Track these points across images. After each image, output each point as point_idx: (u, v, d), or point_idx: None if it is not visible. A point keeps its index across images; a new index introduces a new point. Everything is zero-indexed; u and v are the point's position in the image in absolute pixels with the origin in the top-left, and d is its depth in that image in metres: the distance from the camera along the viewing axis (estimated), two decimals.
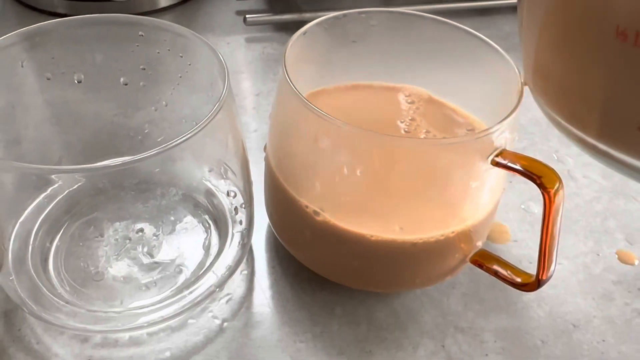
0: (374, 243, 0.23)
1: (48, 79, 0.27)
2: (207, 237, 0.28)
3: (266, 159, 0.27)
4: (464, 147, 0.22)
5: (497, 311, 0.27)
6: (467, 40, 0.26)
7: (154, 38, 0.27)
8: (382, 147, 0.22)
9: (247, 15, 0.44)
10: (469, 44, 0.26)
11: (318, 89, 0.29)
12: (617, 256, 0.30)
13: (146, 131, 0.32)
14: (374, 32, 0.29)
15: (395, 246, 0.23)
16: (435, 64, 0.28)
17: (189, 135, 0.21)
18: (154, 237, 0.28)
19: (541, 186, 0.21)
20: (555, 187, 0.21)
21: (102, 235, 0.28)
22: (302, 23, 0.45)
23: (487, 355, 0.26)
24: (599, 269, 0.30)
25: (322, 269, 0.27)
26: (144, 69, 0.28)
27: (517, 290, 0.28)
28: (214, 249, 0.28)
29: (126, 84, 0.29)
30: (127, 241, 0.27)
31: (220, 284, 0.26)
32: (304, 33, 0.26)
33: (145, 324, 0.25)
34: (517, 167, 0.22)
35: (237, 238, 0.27)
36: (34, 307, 0.24)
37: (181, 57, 0.27)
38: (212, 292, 0.26)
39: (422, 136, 0.26)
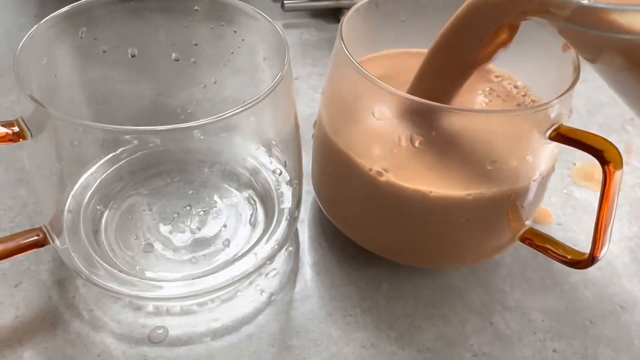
0: (433, 200, 0.23)
1: (104, 51, 0.28)
2: (253, 212, 0.28)
3: (318, 133, 0.27)
4: (523, 119, 0.22)
5: (544, 291, 0.27)
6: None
7: (210, 13, 0.27)
8: (440, 118, 0.22)
9: (285, 2, 0.44)
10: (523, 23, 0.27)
11: (371, 55, 0.29)
12: None
13: (189, 111, 0.32)
14: (424, 12, 0.29)
15: (452, 203, 0.23)
16: None
17: (248, 105, 0.21)
18: (202, 212, 0.28)
19: (602, 160, 0.21)
20: (616, 162, 0.21)
21: (150, 210, 0.28)
22: (338, 9, 0.46)
23: (535, 333, 0.26)
24: None
25: (372, 243, 0.27)
26: (196, 44, 0.29)
27: (563, 272, 0.28)
28: (260, 225, 0.28)
29: (177, 60, 0.29)
30: (175, 215, 0.28)
31: (269, 258, 0.26)
32: (357, 10, 0.27)
33: (194, 294, 0.25)
34: (577, 140, 0.22)
35: (284, 214, 0.28)
36: (88, 274, 0.25)
37: (235, 32, 0.27)
38: (261, 265, 0.26)
39: (482, 105, 0.26)
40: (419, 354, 0.25)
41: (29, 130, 0.21)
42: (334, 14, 0.46)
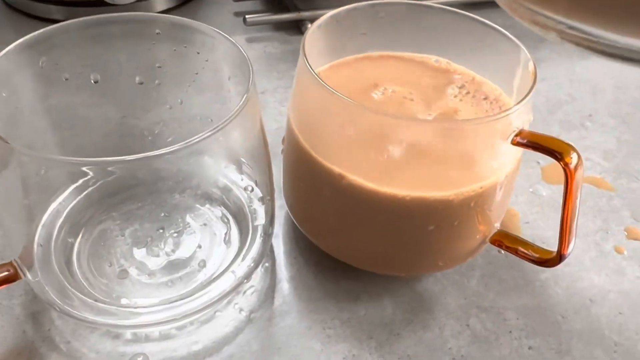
0: (405, 205, 0.24)
1: (66, 79, 0.27)
2: (227, 231, 0.28)
3: (288, 146, 0.27)
4: (486, 127, 0.23)
5: (517, 290, 0.28)
6: (478, 29, 0.27)
7: (171, 35, 0.27)
8: (404, 128, 0.23)
9: (246, 16, 0.44)
10: (480, 33, 0.27)
11: (334, 63, 0.29)
12: (625, 233, 0.31)
13: (157, 131, 0.32)
14: (383, 24, 0.29)
15: (423, 209, 0.24)
16: (448, 54, 0.29)
17: (217, 129, 0.21)
18: (175, 234, 0.28)
19: (562, 162, 0.22)
20: (575, 163, 0.22)
21: (123, 235, 0.28)
22: (300, 22, 0.46)
23: (510, 332, 0.26)
24: (609, 245, 0.31)
25: (346, 254, 0.27)
26: (160, 67, 0.29)
27: (534, 270, 0.29)
28: (235, 244, 0.28)
29: (141, 83, 0.29)
30: (149, 239, 0.28)
31: (246, 276, 0.26)
32: (319, 26, 0.27)
33: (173, 318, 0.25)
34: (538, 144, 0.22)
35: (259, 231, 0.28)
36: (62, 305, 0.24)
37: (198, 53, 0.27)
38: (239, 283, 0.26)
39: (454, 101, 0.27)
40: None
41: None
42: (296, 26, 0.46)
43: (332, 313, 0.27)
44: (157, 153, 0.20)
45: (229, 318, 0.26)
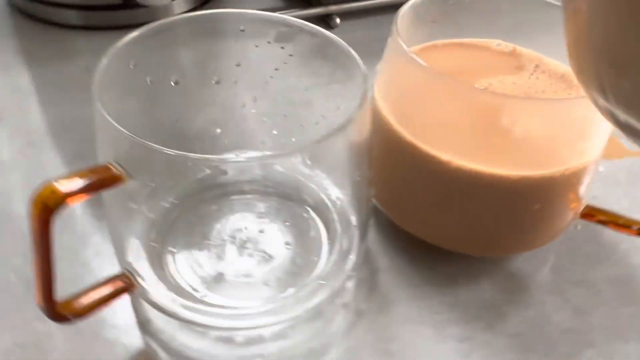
0: (509, 184, 0.24)
1: (151, 82, 0.26)
2: (324, 236, 0.28)
3: (376, 133, 0.27)
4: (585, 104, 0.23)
5: (602, 262, 0.29)
6: (542, 9, 0.28)
7: (255, 31, 0.27)
8: (505, 107, 0.23)
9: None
10: (543, 12, 0.28)
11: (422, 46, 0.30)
12: None
13: (223, 131, 0.31)
14: (452, 11, 0.30)
15: (526, 187, 0.24)
16: (510, 37, 0.30)
17: (336, 130, 0.20)
18: (272, 237, 0.27)
19: None
20: None
21: (222, 239, 0.27)
22: (329, 16, 0.46)
23: (608, 301, 0.27)
24: None
25: (446, 239, 0.27)
26: (239, 65, 0.28)
27: (611, 242, 0.30)
28: (337, 242, 0.27)
29: (218, 82, 0.29)
30: (248, 243, 0.27)
31: (354, 270, 0.26)
32: (402, 16, 0.27)
33: (286, 319, 0.24)
34: None
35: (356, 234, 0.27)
36: (175, 310, 0.24)
37: (282, 48, 0.27)
38: (348, 278, 0.26)
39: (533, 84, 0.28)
40: (513, 339, 0.25)
41: (126, 171, 0.20)
42: (324, 22, 0.46)
43: (436, 298, 0.27)
44: (276, 154, 0.20)
45: (335, 312, 0.26)
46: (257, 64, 0.28)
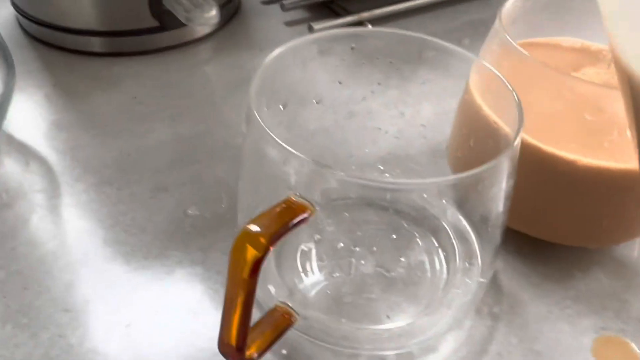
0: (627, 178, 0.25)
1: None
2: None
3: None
4: None
5: None
6: None
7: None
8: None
9: (311, 24, 0.44)
10: None
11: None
12: None
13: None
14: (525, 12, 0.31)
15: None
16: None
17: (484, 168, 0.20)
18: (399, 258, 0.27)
19: None
20: None
21: (344, 260, 0.27)
22: (361, 23, 0.46)
23: None
24: None
25: (559, 234, 0.28)
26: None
27: None
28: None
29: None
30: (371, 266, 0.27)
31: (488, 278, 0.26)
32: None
33: (433, 333, 0.25)
34: None
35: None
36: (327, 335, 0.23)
37: None
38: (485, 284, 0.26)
39: None
40: None
41: (308, 201, 0.19)
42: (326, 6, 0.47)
43: (559, 293, 0.28)
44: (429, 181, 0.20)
45: (471, 319, 0.26)
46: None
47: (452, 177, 0.19)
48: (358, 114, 0.31)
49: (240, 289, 0.18)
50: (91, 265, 0.28)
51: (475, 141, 0.29)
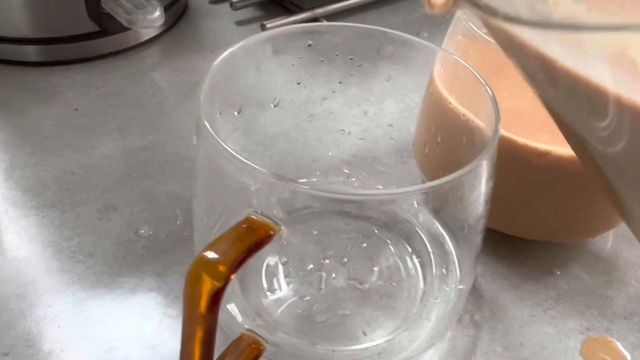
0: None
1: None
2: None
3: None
4: None
5: None
6: None
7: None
8: None
9: (264, 22, 0.41)
10: None
11: None
12: None
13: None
14: None
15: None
16: None
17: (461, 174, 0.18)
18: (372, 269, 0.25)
19: None
20: None
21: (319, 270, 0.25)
22: (316, 20, 0.44)
23: None
24: None
25: (536, 230, 0.27)
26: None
27: None
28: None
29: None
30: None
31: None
32: None
33: (418, 344, 0.23)
34: None
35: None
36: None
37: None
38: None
39: None
40: (627, 321, 0.25)
41: (273, 220, 0.17)
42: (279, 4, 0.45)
43: (541, 294, 0.26)
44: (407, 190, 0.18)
45: (453, 329, 0.25)
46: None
47: (428, 185, 0.17)
48: (319, 115, 0.29)
49: (199, 326, 0.15)
50: (32, 300, 0.25)
51: (443, 137, 0.27)
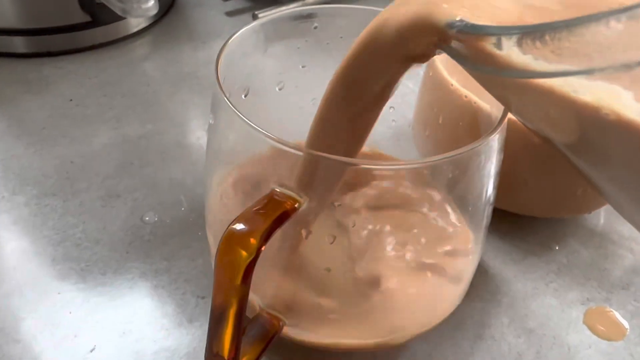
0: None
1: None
2: None
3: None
4: None
5: None
6: None
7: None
8: None
9: (256, 12, 0.41)
10: None
11: None
12: None
13: None
14: None
15: None
16: None
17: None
18: None
19: None
20: None
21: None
22: (309, 11, 0.44)
23: None
24: None
25: (538, 206, 0.28)
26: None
27: None
28: None
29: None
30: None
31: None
32: None
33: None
34: None
35: None
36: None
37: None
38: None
39: None
40: (625, 291, 0.26)
41: (296, 193, 0.17)
42: (305, 17, 0.44)
43: (542, 268, 0.27)
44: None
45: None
46: None
47: (452, 153, 0.17)
48: None
49: (232, 297, 0.16)
50: (41, 288, 0.24)
51: (445, 118, 0.28)
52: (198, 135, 0.33)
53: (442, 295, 0.22)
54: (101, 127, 0.33)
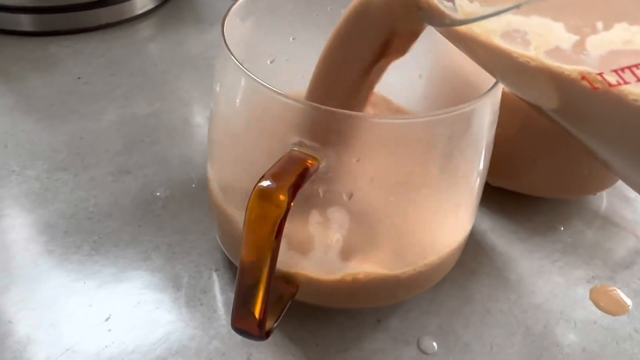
0: None
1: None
2: None
3: None
4: None
5: None
6: None
7: None
8: None
9: None
10: None
11: None
12: None
13: None
14: None
15: None
16: None
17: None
18: None
19: None
20: None
21: None
22: None
23: None
24: None
25: (544, 187, 0.28)
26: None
27: None
28: None
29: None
30: None
31: None
32: None
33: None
34: None
35: None
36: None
37: None
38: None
39: None
40: (628, 270, 0.27)
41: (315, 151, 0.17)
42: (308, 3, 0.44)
43: (547, 247, 0.28)
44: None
45: (468, 280, 0.26)
46: None
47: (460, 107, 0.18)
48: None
49: (266, 253, 0.16)
50: (54, 259, 0.25)
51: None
52: (206, 115, 0.33)
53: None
54: (109, 105, 0.33)
